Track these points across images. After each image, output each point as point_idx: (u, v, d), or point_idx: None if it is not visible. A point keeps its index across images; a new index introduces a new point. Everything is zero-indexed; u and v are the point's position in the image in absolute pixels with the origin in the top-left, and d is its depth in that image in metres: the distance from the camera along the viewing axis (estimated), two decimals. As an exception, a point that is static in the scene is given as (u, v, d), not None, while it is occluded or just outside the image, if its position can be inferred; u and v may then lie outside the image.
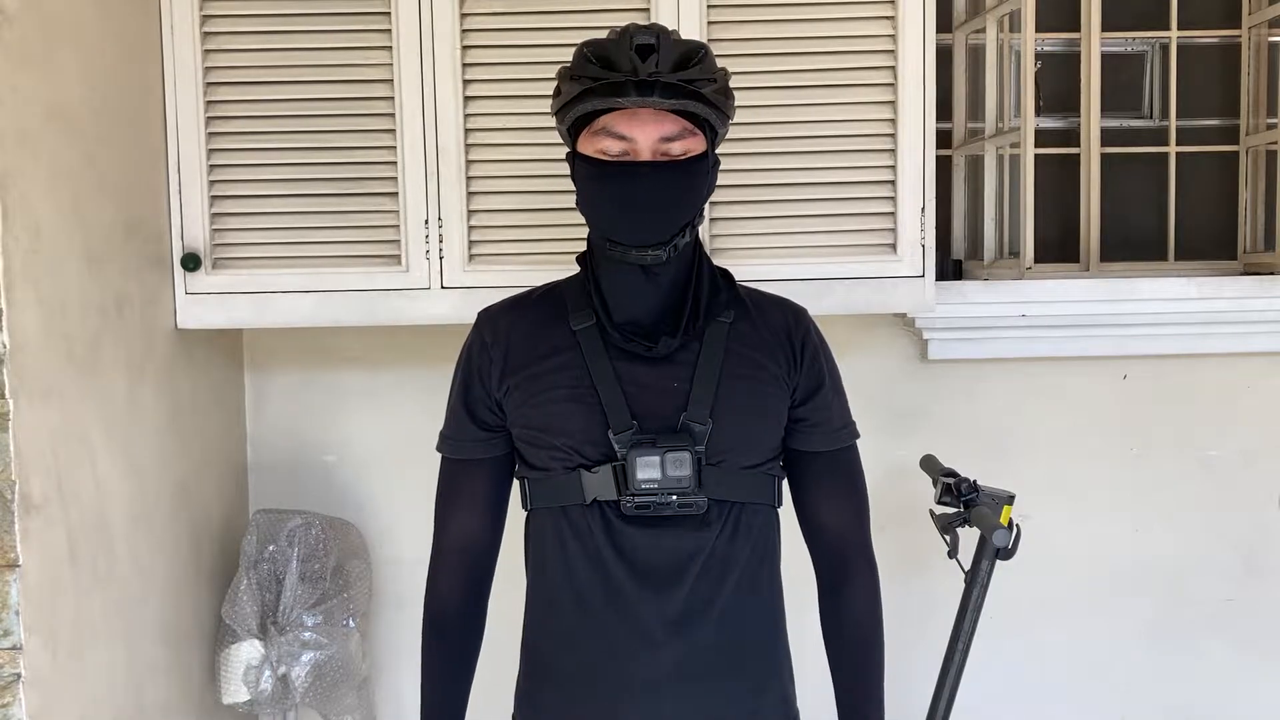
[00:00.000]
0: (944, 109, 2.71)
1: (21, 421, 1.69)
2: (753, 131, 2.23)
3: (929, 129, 2.29)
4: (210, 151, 2.26)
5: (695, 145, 1.51)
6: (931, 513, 2.23)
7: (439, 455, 1.67)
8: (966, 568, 2.18)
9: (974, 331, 2.66)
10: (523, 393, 1.57)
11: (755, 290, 1.67)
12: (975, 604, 2.18)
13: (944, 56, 2.70)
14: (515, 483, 1.66)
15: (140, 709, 2.08)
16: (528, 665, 1.64)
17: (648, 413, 1.53)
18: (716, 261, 1.78)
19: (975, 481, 2.21)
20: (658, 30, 1.49)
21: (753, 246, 2.30)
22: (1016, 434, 2.74)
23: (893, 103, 2.28)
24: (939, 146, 2.43)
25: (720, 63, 1.56)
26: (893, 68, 2.27)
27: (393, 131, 2.26)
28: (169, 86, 2.24)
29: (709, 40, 2.22)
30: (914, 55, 2.27)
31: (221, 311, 2.30)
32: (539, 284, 1.69)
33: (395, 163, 2.26)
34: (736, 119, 1.62)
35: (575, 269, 1.63)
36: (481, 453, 1.62)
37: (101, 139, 2.01)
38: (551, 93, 1.56)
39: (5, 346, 1.66)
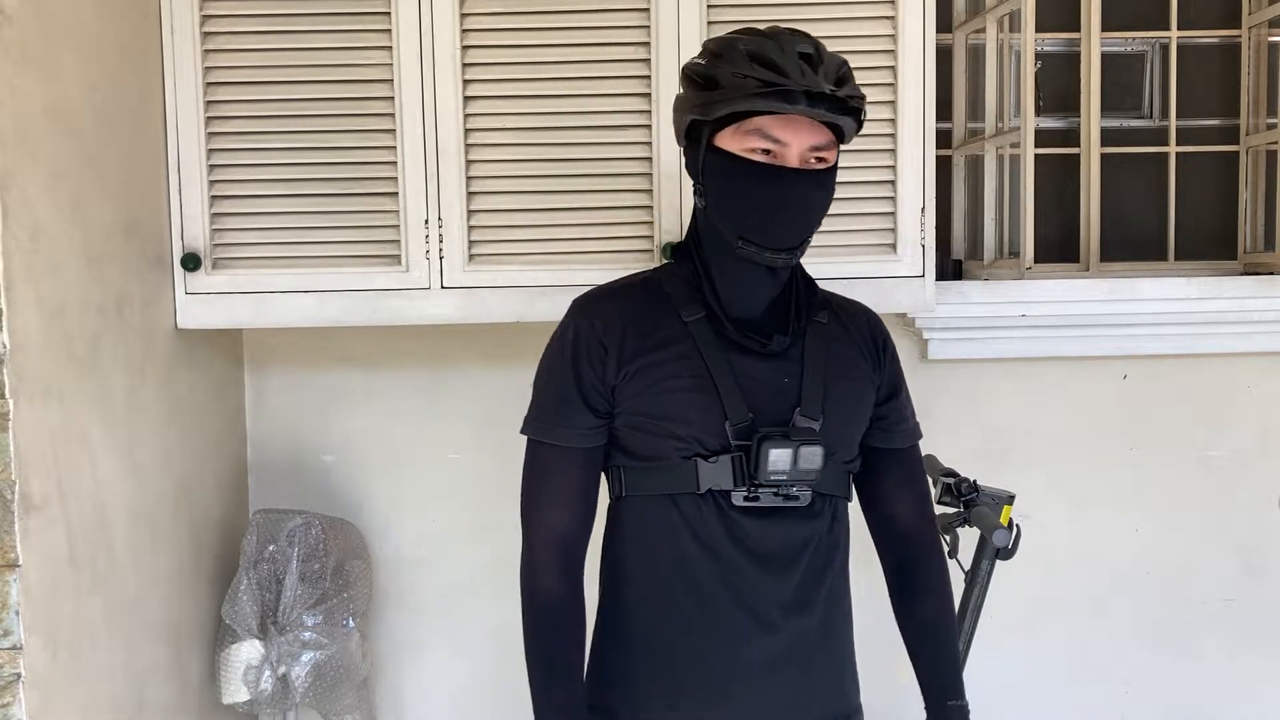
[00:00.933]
0: (944, 109, 2.71)
1: (21, 421, 1.69)
2: (753, 131, 2.23)
3: (929, 129, 2.29)
4: (210, 151, 2.26)
5: (832, 156, 1.56)
6: (931, 513, 2.23)
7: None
8: (966, 568, 2.18)
9: (974, 331, 2.66)
10: (641, 380, 1.57)
11: (832, 293, 1.72)
12: (975, 604, 2.18)
13: (944, 56, 2.70)
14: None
15: (140, 709, 2.08)
16: (627, 651, 1.63)
17: (761, 406, 1.56)
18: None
19: (975, 481, 2.20)
20: (812, 39, 1.52)
21: (753, 246, 2.30)
22: (1016, 434, 2.74)
23: (893, 103, 2.28)
24: (939, 146, 2.43)
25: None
26: (893, 68, 2.27)
27: (393, 131, 2.26)
28: (169, 86, 2.24)
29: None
30: (914, 55, 2.27)
31: (221, 311, 2.30)
32: (603, 281, 1.69)
33: (395, 163, 2.26)
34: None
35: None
36: (588, 441, 1.60)
37: (101, 139, 2.01)
38: (683, 83, 1.57)
39: (5, 346, 1.66)
